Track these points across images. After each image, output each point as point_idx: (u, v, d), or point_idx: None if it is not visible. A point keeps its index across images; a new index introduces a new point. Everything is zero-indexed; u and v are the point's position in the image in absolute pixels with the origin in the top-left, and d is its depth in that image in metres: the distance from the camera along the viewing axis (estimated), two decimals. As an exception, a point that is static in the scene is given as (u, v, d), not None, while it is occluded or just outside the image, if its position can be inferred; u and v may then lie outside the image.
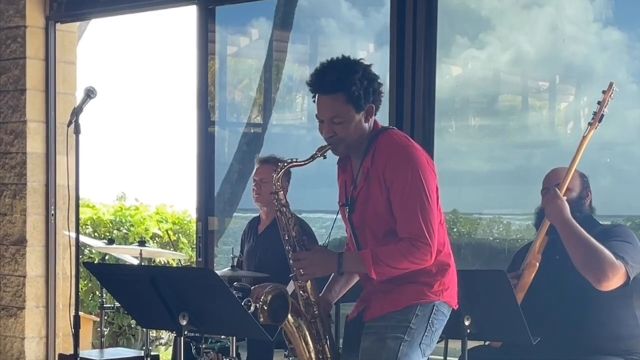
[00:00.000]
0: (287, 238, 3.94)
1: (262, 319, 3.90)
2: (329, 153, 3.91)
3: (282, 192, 3.94)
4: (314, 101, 3.89)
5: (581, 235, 4.34)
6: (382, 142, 3.85)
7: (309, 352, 3.98)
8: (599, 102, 4.46)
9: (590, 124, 4.46)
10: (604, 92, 4.47)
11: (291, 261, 3.92)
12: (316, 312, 3.96)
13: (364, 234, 3.91)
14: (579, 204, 4.52)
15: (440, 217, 3.84)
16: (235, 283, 5.51)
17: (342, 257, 3.86)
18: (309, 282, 3.93)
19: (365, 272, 3.83)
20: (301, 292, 3.95)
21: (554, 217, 4.42)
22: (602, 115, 4.45)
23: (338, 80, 3.77)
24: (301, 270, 3.87)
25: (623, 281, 4.30)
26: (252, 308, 4.58)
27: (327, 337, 3.99)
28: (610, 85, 4.47)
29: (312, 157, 3.87)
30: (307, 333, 3.96)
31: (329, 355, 3.99)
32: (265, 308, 3.89)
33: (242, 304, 4.65)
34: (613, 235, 4.44)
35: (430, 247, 3.72)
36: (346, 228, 4.06)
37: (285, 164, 3.92)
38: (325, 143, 3.88)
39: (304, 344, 3.98)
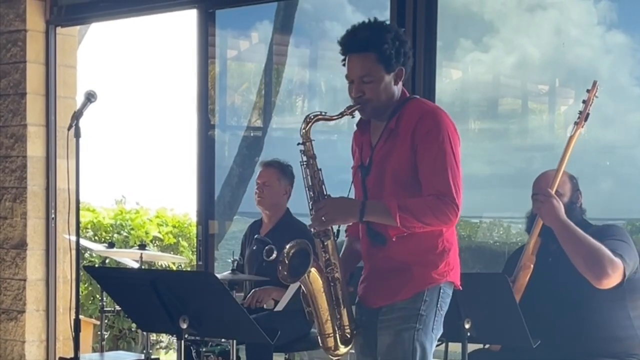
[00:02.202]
0: (311, 194, 3.83)
1: (280, 272, 3.80)
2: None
3: (309, 143, 3.83)
4: (344, 64, 3.84)
5: (579, 234, 4.34)
6: (410, 106, 3.83)
7: (326, 315, 3.85)
8: (584, 101, 4.46)
9: (576, 123, 4.46)
10: (588, 90, 4.47)
11: (312, 212, 3.80)
12: (337, 275, 3.83)
13: (380, 197, 3.81)
14: (571, 208, 4.51)
15: None
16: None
17: (365, 203, 3.77)
18: (330, 241, 3.80)
19: (386, 224, 3.73)
20: (322, 252, 3.81)
21: (550, 218, 4.41)
22: (588, 114, 4.45)
23: (370, 38, 3.75)
24: (322, 218, 3.75)
25: (621, 279, 4.31)
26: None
27: (346, 304, 3.86)
28: (594, 83, 4.48)
29: (341, 114, 3.82)
30: (325, 294, 3.83)
31: (346, 324, 3.87)
32: (287, 262, 3.79)
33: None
34: (607, 234, 4.45)
35: (456, 207, 3.69)
36: (356, 193, 3.96)
37: (313, 117, 3.82)
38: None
39: (322, 304, 3.84)
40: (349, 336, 3.89)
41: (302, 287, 3.85)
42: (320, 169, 3.85)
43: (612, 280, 4.29)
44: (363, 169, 3.91)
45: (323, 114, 3.84)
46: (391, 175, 3.80)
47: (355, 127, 4.06)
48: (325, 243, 3.82)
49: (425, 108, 3.83)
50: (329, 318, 3.86)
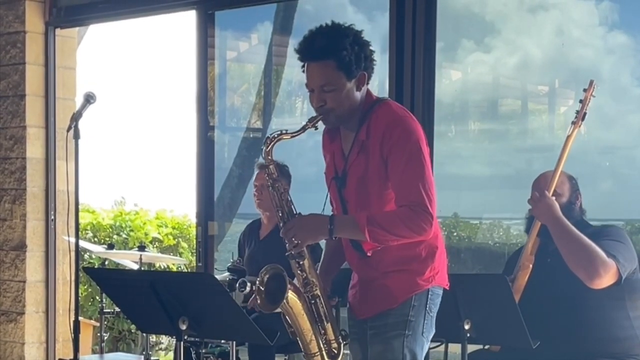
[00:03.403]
0: (280, 214, 3.77)
1: (259, 301, 3.73)
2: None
3: (272, 166, 3.76)
4: (303, 71, 3.75)
5: (573, 232, 4.34)
6: (378, 113, 3.71)
7: (310, 335, 3.80)
8: (580, 101, 4.46)
9: (573, 122, 4.46)
10: (584, 90, 4.46)
11: (282, 234, 3.73)
12: (316, 292, 3.77)
13: (360, 209, 3.74)
14: (569, 208, 4.51)
15: None
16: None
17: (334, 219, 3.69)
18: (306, 260, 3.73)
19: (358, 239, 3.69)
20: (299, 271, 3.75)
21: (544, 216, 4.42)
22: (585, 114, 4.44)
23: (328, 46, 3.64)
24: (293, 239, 3.68)
25: (615, 280, 4.31)
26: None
27: (330, 318, 3.81)
28: (591, 83, 4.47)
29: (303, 128, 3.72)
30: (306, 314, 3.77)
31: (332, 338, 3.82)
32: (262, 289, 3.71)
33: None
34: (605, 235, 4.45)
35: (430, 217, 3.59)
36: (334, 204, 3.89)
37: (275, 136, 3.74)
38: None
39: (304, 326, 3.79)
40: (335, 351, 3.85)
41: (282, 311, 3.78)
42: (286, 189, 3.80)
43: (604, 280, 4.29)
44: (338, 180, 3.82)
45: (284, 132, 3.76)
46: (373, 189, 3.72)
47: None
48: (301, 263, 3.75)
49: (392, 116, 3.71)
50: (313, 338, 3.81)
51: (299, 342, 3.86)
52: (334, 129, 3.86)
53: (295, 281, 3.79)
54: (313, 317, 3.80)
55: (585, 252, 4.29)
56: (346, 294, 4.01)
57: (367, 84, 3.76)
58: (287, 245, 3.73)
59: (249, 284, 4.53)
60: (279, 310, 3.76)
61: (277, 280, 3.71)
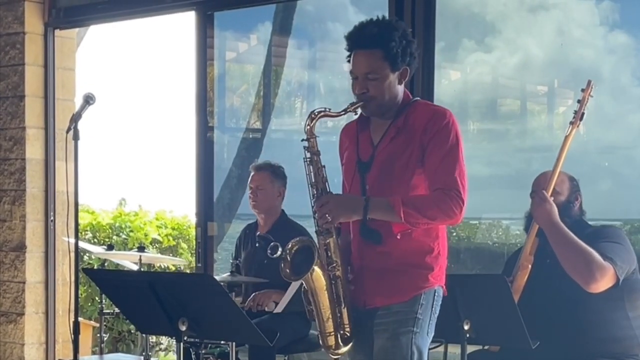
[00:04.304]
0: (314, 191, 3.82)
1: (283, 271, 3.79)
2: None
3: (313, 140, 3.82)
4: (349, 61, 3.84)
5: (569, 238, 4.34)
6: (417, 107, 3.84)
7: (328, 313, 3.82)
8: (578, 101, 4.46)
9: (571, 122, 4.47)
10: (582, 90, 4.47)
11: (314, 208, 3.78)
12: (338, 273, 3.81)
13: (380, 195, 3.78)
14: (567, 208, 4.52)
15: None
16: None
17: (369, 200, 3.74)
18: (332, 239, 3.77)
19: (388, 221, 3.73)
20: (324, 250, 3.79)
21: (542, 220, 4.43)
22: (583, 114, 4.45)
23: (378, 35, 3.74)
24: (327, 215, 3.74)
25: (613, 282, 4.32)
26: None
27: (346, 303, 3.83)
28: (589, 83, 4.47)
29: (345, 110, 3.81)
30: (327, 293, 3.80)
31: (346, 322, 3.85)
32: (289, 259, 3.78)
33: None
34: (602, 236, 4.46)
35: (462, 202, 3.69)
36: (350, 190, 3.92)
37: (317, 113, 3.81)
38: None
39: (324, 302, 3.81)
40: (349, 334, 3.87)
41: (305, 284, 3.82)
42: (324, 166, 3.84)
43: (601, 284, 4.30)
44: (362, 165, 3.87)
45: (327, 110, 3.84)
46: (400, 174, 3.78)
47: (344, 123, 4.05)
48: (327, 241, 3.79)
49: (436, 109, 3.85)
50: (330, 316, 3.84)
51: (316, 320, 3.88)
52: (364, 118, 3.94)
53: None
54: (332, 297, 3.83)
55: (581, 257, 4.29)
56: None
57: (407, 80, 3.86)
58: (318, 220, 3.78)
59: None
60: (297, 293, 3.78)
61: (304, 253, 3.77)
